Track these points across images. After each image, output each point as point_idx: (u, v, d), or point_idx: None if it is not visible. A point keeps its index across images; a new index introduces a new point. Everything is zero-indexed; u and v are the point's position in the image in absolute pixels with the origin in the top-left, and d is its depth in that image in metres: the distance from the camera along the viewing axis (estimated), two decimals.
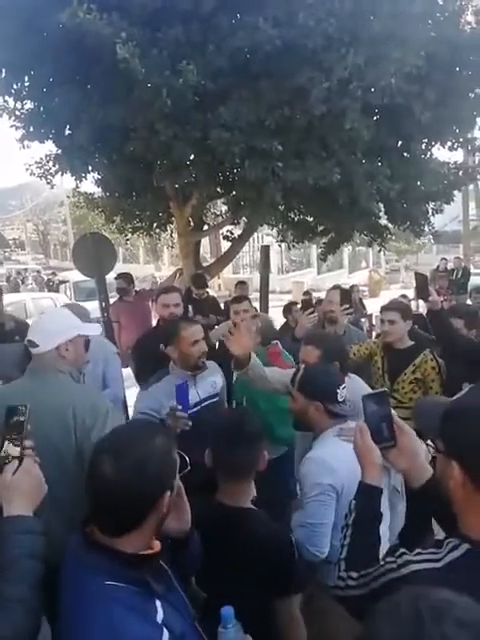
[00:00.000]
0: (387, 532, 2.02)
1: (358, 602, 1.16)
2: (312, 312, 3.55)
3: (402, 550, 1.11)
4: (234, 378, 3.24)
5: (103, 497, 1.13)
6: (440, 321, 3.26)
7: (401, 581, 1.05)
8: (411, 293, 8.96)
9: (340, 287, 4.01)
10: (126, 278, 5.97)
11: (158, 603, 1.11)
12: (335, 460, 1.92)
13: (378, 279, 20.28)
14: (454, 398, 1.15)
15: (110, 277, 6.54)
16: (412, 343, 3.34)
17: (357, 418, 1.83)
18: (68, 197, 10.96)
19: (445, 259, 14.04)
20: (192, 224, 6.88)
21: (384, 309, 3.44)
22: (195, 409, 2.55)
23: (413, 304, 7.24)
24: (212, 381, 2.77)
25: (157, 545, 1.22)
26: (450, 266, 13.39)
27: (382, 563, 1.13)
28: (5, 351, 3.06)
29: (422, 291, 3.28)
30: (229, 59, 4.14)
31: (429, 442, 1.15)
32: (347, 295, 3.77)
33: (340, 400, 2.08)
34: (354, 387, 2.38)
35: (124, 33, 3.67)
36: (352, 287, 8.54)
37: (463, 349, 3.21)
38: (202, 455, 1.76)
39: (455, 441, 1.03)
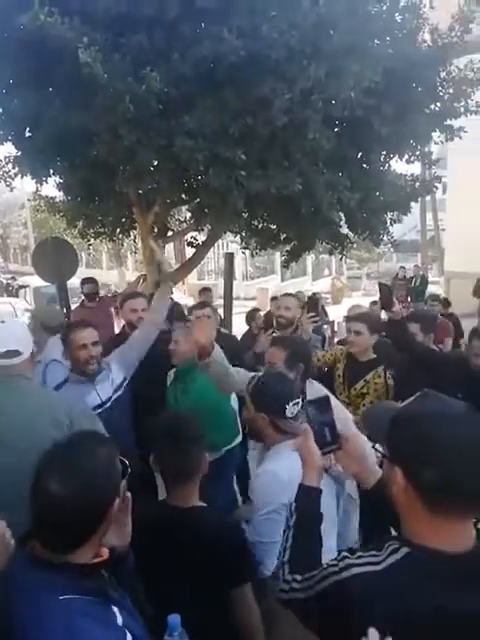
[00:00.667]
0: (334, 544, 1.95)
1: (303, 605, 1.18)
2: (273, 332, 3.61)
3: (344, 553, 1.13)
4: (167, 383, 3.22)
5: (51, 514, 1.10)
6: (400, 330, 3.34)
7: (342, 585, 1.07)
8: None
9: (294, 294, 4.10)
10: (94, 283, 5.94)
11: (115, 609, 1.11)
12: (288, 475, 1.76)
13: (340, 286, 20.65)
14: (402, 405, 1.18)
15: (72, 282, 6.43)
16: (373, 357, 3.38)
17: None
18: (29, 200, 10.71)
19: (403, 267, 14.45)
20: (156, 230, 6.84)
21: (352, 319, 3.47)
22: (98, 411, 2.62)
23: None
24: (111, 379, 2.81)
25: (105, 552, 1.21)
26: (409, 274, 13.79)
27: (325, 566, 1.14)
28: None
29: (386, 301, 3.35)
30: (193, 67, 4.15)
31: (377, 446, 1.17)
32: (314, 303, 3.84)
33: (289, 416, 1.92)
34: (312, 393, 2.40)
35: (86, 37, 3.63)
36: (314, 294, 8.72)
37: (420, 356, 3.30)
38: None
39: (398, 448, 1.05)
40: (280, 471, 1.84)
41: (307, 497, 1.34)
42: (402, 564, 1.03)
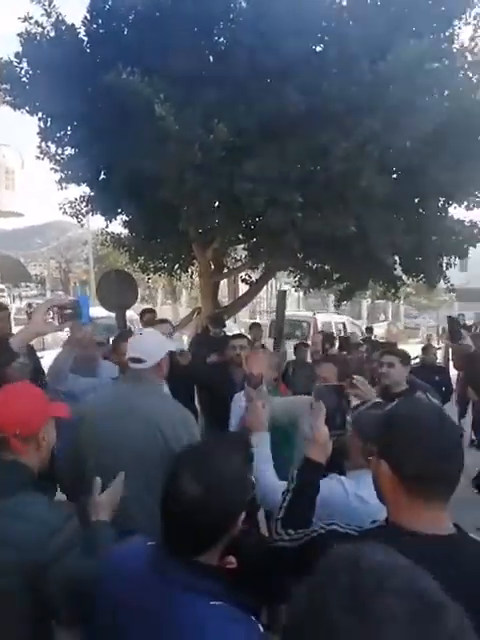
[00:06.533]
0: None
1: (286, 552, 1.36)
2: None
3: (334, 520, 1.28)
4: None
5: (185, 516, 1.09)
6: (472, 363, 3.29)
7: (319, 537, 1.24)
8: (435, 343, 9.08)
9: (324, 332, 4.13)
10: (153, 313, 6.27)
11: (254, 619, 1.08)
12: (357, 502, 1.71)
13: (396, 332, 20.31)
14: (388, 407, 1.36)
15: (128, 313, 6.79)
16: (406, 387, 3.42)
17: None
18: (97, 236, 11.42)
19: (462, 315, 14.07)
20: (213, 267, 7.14)
21: (384, 353, 3.59)
22: None
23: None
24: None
25: (232, 559, 1.19)
26: (469, 322, 13.42)
27: (315, 527, 1.31)
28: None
29: (454, 333, 3.36)
30: (257, 119, 4.47)
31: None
32: (344, 367, 3.55)
33: None
34: None
35: (162, 94, 4.02)
36: (369, 329, 8.59)
37: None
38: None
39: (386, 444, 1.19)
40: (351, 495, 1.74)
41: (312, 469, 1.53)
42: (374, 532, 1.17)
